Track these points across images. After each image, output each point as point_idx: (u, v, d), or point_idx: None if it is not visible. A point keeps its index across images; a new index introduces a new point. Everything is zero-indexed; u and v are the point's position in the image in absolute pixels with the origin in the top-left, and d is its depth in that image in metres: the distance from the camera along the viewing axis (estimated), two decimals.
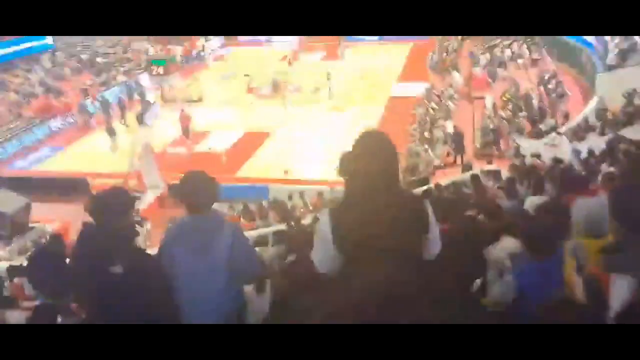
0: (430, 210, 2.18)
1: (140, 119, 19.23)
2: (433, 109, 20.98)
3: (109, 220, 2.72)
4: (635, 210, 2.32)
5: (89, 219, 2.85)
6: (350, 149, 2.32)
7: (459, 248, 3.24)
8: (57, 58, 31.59)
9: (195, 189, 2.68)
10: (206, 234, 2.63)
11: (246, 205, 14.68)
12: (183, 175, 2.77)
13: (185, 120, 20.83)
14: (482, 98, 22.04)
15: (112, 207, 2.75)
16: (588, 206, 3.18)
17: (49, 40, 31.71)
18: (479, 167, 15.33)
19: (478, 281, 3.10)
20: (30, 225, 14.04)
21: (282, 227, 11.84)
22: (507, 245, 3.69)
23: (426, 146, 17.54)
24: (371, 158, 2.09)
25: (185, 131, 20.83)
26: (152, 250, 3.47)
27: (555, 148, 14.13)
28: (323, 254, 2.21)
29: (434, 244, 2.22)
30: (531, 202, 6.83)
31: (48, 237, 13.59)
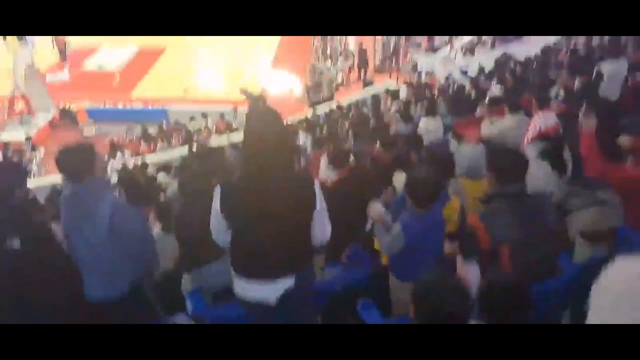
0: (318, 191, 2.24)
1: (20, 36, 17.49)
2: None
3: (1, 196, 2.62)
4: (506, 167, 2.57)
5: None
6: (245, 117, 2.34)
7: (354, 195, 3.42)
8: None
9: (70, 159, 2.59)
10: (87, 204, 2.58)
11: (145, 129, 14.14)
12: (59, 148, 2.65)
13: (60, 42, 18.74)
14: None
15: (4, 181, 2.64)
16: (469, 151, 3.45)
17: None
18: (379, 84, 15.69)
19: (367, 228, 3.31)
20: None
21: (184, 150, 11.60)
22: (399, 180, 3.95)
23: (329, 63, 17.51)
24: (262, 138, 2.11)
25: (62, 54, 18.85)
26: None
27: (449, 63, 14.63)
28: (215, 226, 2.29)
29: (322, 229, 2.31)
30: (425, 124, 7.21)
31: None
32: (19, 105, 15.27)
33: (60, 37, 18.21)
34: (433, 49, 16.79)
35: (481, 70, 11.87)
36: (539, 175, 3.42)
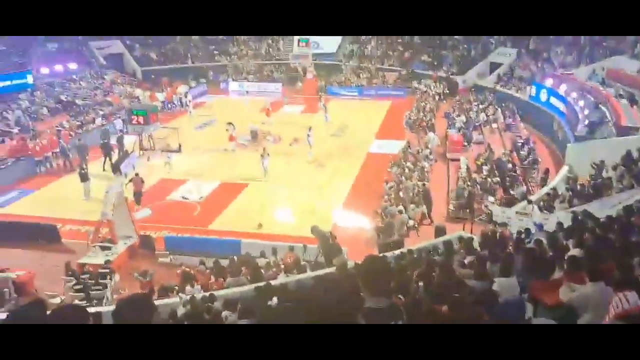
0: None
1: (116, 168, 19.08)
2: (409, 168, 21.27)
3: None
4: None
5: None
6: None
7: None
8: (35, 98, 31.45)
9: (127, 312, 2.62)
10: None
11: (217, 262, 14.47)
12: (118, 302, 2.72)
13: (138, 185, 19.55)
14: (457, 160, 22.50)
15: None
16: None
17: (29, 79, 31.81)
18: (452, 231, 15.52)
19: None
20: None
21: (251, 287, 11.70)
22: None
23: (401, 206, 17.67)
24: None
25: (137, 197, 19.54)
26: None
27: (526, 217, 14.39)
28: None
29: None
30: (500, 284, 6.92)
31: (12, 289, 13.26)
32: (104, 232, 16.24)
33: (138, 179, 19.52)
34: (509, 201, 16.67)
35: (559, 226, 11.55)
36: None
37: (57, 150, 24.10)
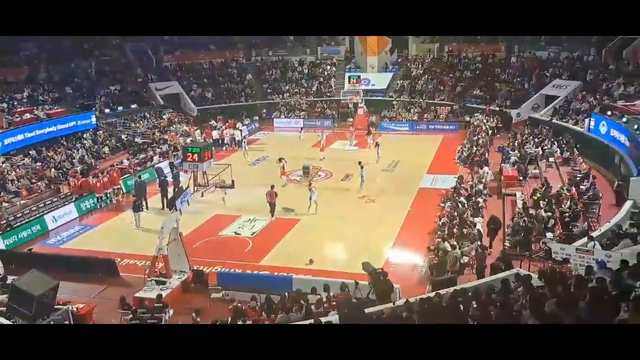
0: None
1: (171, 204, 19.62)
2: (462, 203, 20.83)
3: None
4: None
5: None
6: None
7: None
8: (98, 137, 32.94)
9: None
10: None
11: (269, 298, 14.47)
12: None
13: (272, 196, 22.36)
14: (513, 195, 21.90)
15: None
16: None
17: (92, 119, 33.37)
18: (508, 269, 15.00)
19: None
20: (56, 306, 14.01)
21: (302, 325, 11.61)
22: None
23: (454, 243, 17.26)
24: None
25: (272, 207, 22.38)
26: None
27: (587, 254, 13.77)
28: None
29: None
30: None
31: (72, 321, 13.58)
32: (159, 266, 16.62)
33: (272, 191, 21.38)
34: (569, 238, 16.02)
35: (624, 264, 10.98)
36: None
37: (117, 186, 25.12)
